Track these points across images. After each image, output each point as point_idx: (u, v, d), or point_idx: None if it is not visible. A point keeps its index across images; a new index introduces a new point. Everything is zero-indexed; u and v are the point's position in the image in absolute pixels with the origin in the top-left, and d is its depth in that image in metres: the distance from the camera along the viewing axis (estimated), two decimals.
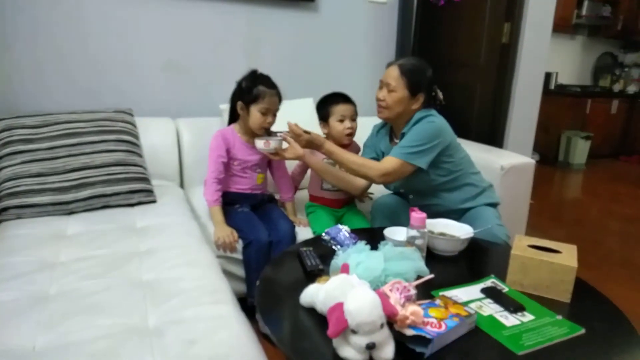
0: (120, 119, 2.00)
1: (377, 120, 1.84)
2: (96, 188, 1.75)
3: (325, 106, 1.90)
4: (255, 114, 1.74)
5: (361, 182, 1.78)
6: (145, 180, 1.88)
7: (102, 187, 1.76)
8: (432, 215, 1.52)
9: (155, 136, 2.13)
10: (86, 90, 2.21)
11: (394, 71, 1.64)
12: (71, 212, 1.71)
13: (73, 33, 2.15)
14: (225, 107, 2.07)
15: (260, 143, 1.67)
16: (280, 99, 1.79)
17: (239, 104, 1.78)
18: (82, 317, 1.03)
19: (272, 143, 1.66)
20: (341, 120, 1.87)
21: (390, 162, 1.62)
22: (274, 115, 1.79)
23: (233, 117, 1.87)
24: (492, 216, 1.69)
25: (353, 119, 1.90)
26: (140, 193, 1.83)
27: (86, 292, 1.14)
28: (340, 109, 1.87)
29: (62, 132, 1.83)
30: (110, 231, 1.55)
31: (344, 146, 1.91)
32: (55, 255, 1.36)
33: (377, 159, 1.77)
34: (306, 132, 1.65)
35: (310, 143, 1.64)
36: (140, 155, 1.96)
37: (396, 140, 1.76)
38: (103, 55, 2.23)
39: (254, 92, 1.73)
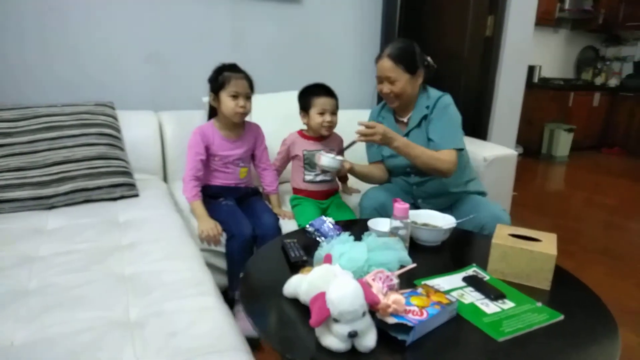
0: (102, 112, 1.97)
1: (363, 113, 1.85)
2: (77, 182, 1.72)
3: (306, 96, 1.89)
4: (225, 99, 1.74)
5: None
6: (128, 174, 1.86)
7: (84, 181, 1.73)
8: (432, 193, 1.64)
9: (138, 129, 2.11)
10: (66, 82, 2.17)
11: (387, 63, 1.66)
12: (52, 207, 1.68)
13: (53, 24, 2.11)
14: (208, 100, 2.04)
15: (329, 160, 1.60)
16: (250, 84, 1.78)
17: (210, 95, 1.78)
18: (62, 311, 1.02)
19: (336, 161, 1.61)
20: (321, 113, 1.86)
21: (450, 154, 1.65)
22: (248, 100, 1.77)
23: (212, 114, 1.88)
24: (494, 203, 1.73)
25: (334, 112, 1.89)
26: (122, 187, 1.81)
27: (66, 286, 1.12)
28: (321, 102, 1.86)
29: (42, 126, 1.80)
30: (92, 225, 1.53)
31: (323, 138, 1.93)
32: (35, 249, 1.34)
33: (379, 146, 1.82)
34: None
35: (384, 137, 1.59)
36: (122, 149, 1.94)
37: (402, 120, 1.79)
38: (84, 47, 2.19)
39: (219, 79, 1.74)
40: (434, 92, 1.76)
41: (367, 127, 1.57)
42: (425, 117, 1.74)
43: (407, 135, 1.76)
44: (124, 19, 2.25)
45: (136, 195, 1.84)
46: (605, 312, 1.05)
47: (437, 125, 1.70)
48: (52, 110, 1.86)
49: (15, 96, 2.03)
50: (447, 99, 1.73)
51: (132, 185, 1.84)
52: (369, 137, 1.57)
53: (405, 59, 1.66)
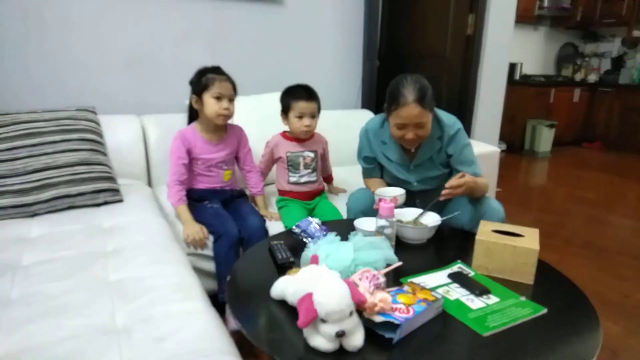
0: (83, 117, 1.94)
1: (346, 113, 1.85)
2: (60, 189, 1.70)
3: (287, 99, 1.88)
4: (209, 101, 1.73)
5: None
6: (111, 179, 1.84)
7: (66, 187, 1.71)
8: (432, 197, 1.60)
9: (120, 134, 2.08)
10: (46, 88, 2.14)
11: (416, 109, 1.50)
12: (34, 214, 1.66)
13: (31, 28, 2.07)
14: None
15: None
16: (233, 86, 1.79)
17: (193, 97, 1.77)
18: (46, 319, 1.00)
19: (400, 199, 1.57)
20: (300, 117, 1.86)
21: (485, 177, 1.71)
22: (231, 102, 1.77)
23: (192, 117, 1.87)
24: (491, 198, 1.76)
25: (313, 115, 1.87)
26: (106, 192, 1.79)
27: (50, 294, 1.11)
28: (300, 106, 1.84)
29: (22, 132, 1.77)
30: (76, 232, 1.51)
31: (303, 140, 1.93)
32: (17, 258, 1.31)
33: (377, 166, 1.84)
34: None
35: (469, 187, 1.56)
36: (104, 154, 1.92)
37: (412, 150, 1.72)
38: (63, 51, 2.16)
39: (203, 80, 1.73)
40: (443, 119, 1.68)
41: (456, 185, 1.51)
42: (440, 149, 1.71)
43: (417, 166, 1.75)
44: (104, 22, 2.22)
45: (120, 201, 1.82)
46: (587, 304, 1.07)
47: (467, 159, 1.71)
48: (32, 117, 1.83)
49: None
50: (462, 131, 1.70)
51: (115, 191, 1.83)
52: (455, 193, 1.53)
53: (429, 98, 1.53)
